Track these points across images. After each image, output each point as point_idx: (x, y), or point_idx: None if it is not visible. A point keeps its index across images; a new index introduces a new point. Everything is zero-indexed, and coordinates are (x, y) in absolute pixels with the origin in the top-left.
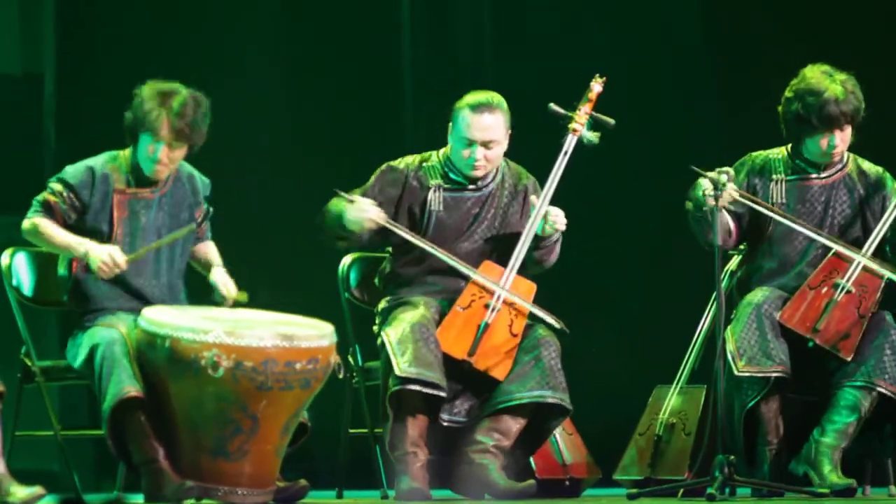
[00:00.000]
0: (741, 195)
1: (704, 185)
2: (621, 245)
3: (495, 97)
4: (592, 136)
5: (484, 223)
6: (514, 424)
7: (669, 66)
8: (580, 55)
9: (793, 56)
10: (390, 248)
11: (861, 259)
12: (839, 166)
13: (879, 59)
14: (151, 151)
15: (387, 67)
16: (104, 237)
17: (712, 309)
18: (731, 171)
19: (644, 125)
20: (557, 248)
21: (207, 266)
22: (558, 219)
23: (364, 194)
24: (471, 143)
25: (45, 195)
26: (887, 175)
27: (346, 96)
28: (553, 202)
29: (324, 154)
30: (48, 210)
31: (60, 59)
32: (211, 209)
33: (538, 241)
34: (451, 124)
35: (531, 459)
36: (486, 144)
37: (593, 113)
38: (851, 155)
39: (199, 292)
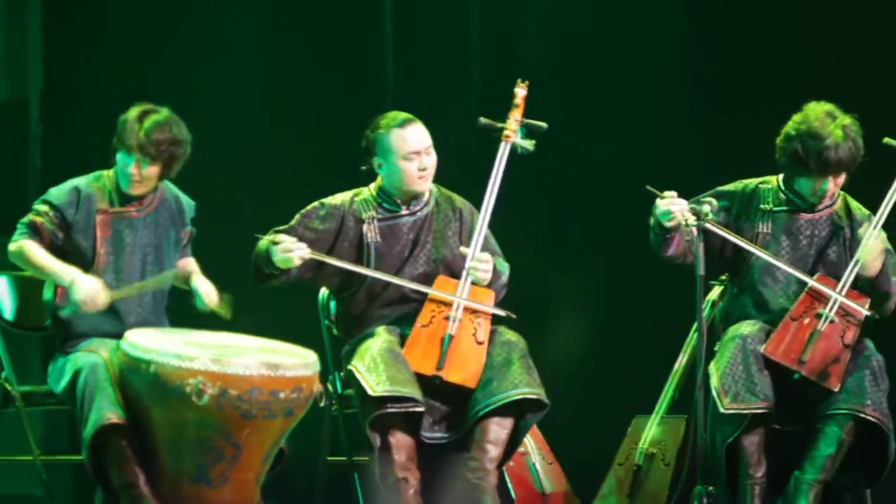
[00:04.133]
0: (714, 225)
1: (666, 206)
2: (601, 273)
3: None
4: (527, 144)
5: (425, 247)
6: (502, 431)
7: (655, 86)
8: (567, 65)
9: (785, 71)
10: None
11: (837, 297)
12: (828, 203)
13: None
14: (125, 166)
15: (370, 90)
16: (87, 256)
17: (693, 339)
18: (713, 200)
19: (628, 149)
20: (504, 281)
21: (187, 278)
22: (479, 267)
23: (289, 231)
24: (414, 155)
25: (30, 217)
26: (873, 219)
27: (329, 124)
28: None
29: (307, 178)
30: (35, 231)
31: (46, 84)
32: (194, 231)
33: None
34: (376, 155)
35: (511, 488)
36: (426, 151)
37: (524, 119)
38: (841, 193)
39: (180, 312)
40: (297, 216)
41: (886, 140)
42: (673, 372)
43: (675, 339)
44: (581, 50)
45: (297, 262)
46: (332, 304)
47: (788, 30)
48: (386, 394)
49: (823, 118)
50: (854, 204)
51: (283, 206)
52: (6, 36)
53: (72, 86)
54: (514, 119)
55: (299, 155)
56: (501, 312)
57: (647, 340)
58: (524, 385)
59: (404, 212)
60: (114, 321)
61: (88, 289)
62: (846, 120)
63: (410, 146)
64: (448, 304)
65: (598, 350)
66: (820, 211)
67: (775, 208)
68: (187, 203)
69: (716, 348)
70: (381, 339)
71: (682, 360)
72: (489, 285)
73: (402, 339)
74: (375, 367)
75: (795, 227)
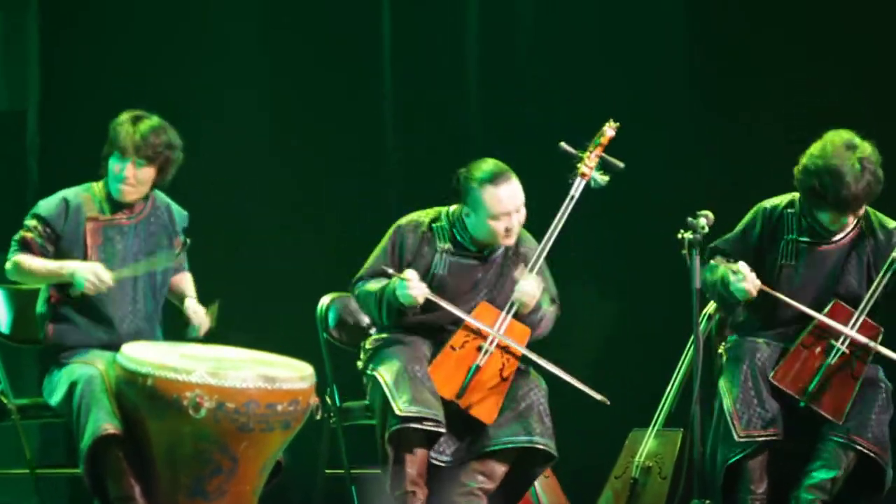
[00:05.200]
0: (763, 288)
1: (737, 284)
2: (597, 286)
3: (502, 163)
4: (601, 179)
5: (484, 288)
6: (500, 468)
7: (655, 86)
8: (566, 65)
9: (785, 71)
10: None
11: (849, 333)
12: (850, 228)
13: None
14: (118, 170)
15: (369, 90)
16: None
17: (690, 352)
18: (709, 214)
19: (627, 149)
20: (545, 323)
21: (181, 297)
22: (522, 296)
23: (385, 261)
24: (505, 216)
25: (21, 233)
26: None
27: (329, 124)
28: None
29: (307, 178)
30: (25, 247)
31: (44, 97)
32: (188, 241)
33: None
34: (467, 199)
35: None
36: (517, 209)
37: (603, 155)
38: (866, 209)
39: (175, 325)
40: (385, 241)
41: None
42: (670, 385)
43: (671, 353)
44: (580, 50)
45: (421, 301)
46: (331, 316)
47: (788, 30)
48: (411, 414)
49: (842, 152)
50: (877, 218)
51: (282, 206)
52: (4, 49)
53: (69, 98)
54: (595, 155)
55: (299, 155)
56: (587, 389)
57: (644, 353)
58: (535, 434)
59: (476, 253)
60: (107, 330)
61: (88, 274)
62: (866, 150)
63: (503, 207)
64: (484, 335)
65: (596, 363)
66: (843, 237)
67: (799, 238)
68: (178, 213)
69: (720, 351)
70: (409, 350)
71: (678, 374)
72: (528, 316)
73: (431, 355)
74: (402, 382)
75: (819, 256)
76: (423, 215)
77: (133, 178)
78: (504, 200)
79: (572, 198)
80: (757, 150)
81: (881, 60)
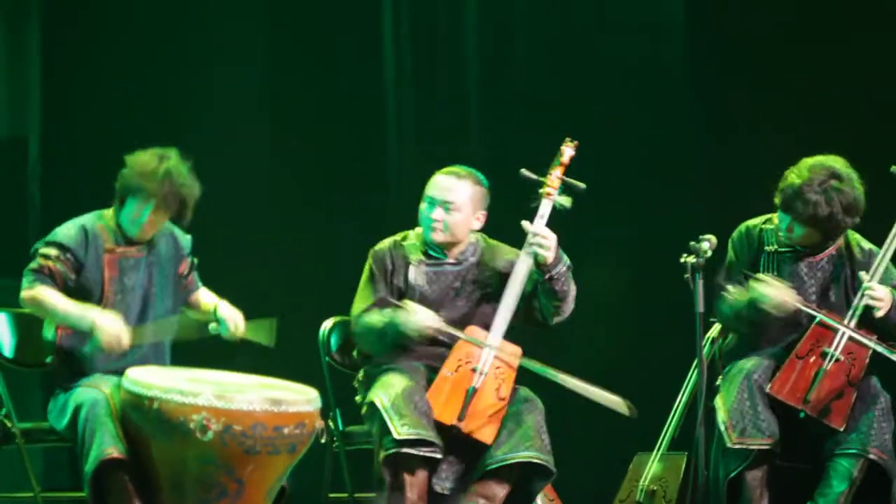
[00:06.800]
0: (802, 304)
1: (764, 291)
2: (601, 309)
3: (471, 171)
4: (564, 201)
5: (464, 296)
6: (500, 490)
7: (655, 86)
8: (566, 65)
9: (785, 71)
10: None
11: (845, 330)
12: (829, 244)
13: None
14: (137, 214)
15: (370, 90)
16: (95, 296)
17: (694, 376)
18: (713, 238)
19: (626, 151)
20: (571, 287)
21: (211, 308)
22: (537, 238)
23: (376, 292)
24: (431, 202)
25: (39, 261)
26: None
27: (329, 124)
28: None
29: (308, 179)
30: (48, 276)
31: (46, 123)
32: (195, 260)
33: (545, 280)
34: None
35: None
36: (444, 205)
37: (564, 178)
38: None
39: (181, 350)
40: (369, 283)
41: (894, 169)
42: (674, 409)
43: (675, 376)
44: (580, 50)
45: (427, 332)
46: (334, 340)
47: (788, 30)
48: (410, 437)
49: (815, 165)
50: (855, 240)
51: (283, 206)
52: (6, 76)
53: (71, 124)
54: (556, 176)
55: (299, 155)
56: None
57: (648, 377)
58: (532, 449)
59: (450, 260)
60: (117, 357)
61: (113, 331)
62: (838, 183)
63: (429, 190)
64: (475, 357)
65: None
66: (821, 252)
67: (780, 249)
68: (183, 238)
69: (717, 383)
70: (405, 377)
71: (682, 397)
72: (550, 271)
73: (427, 382)
74: (400, 406)
75: (799, 269)
76: (394, 237)
77: (154, 223)
78: (435, 185)
79: (542, 217)
80: (757, 150)
81: (881, 60)
